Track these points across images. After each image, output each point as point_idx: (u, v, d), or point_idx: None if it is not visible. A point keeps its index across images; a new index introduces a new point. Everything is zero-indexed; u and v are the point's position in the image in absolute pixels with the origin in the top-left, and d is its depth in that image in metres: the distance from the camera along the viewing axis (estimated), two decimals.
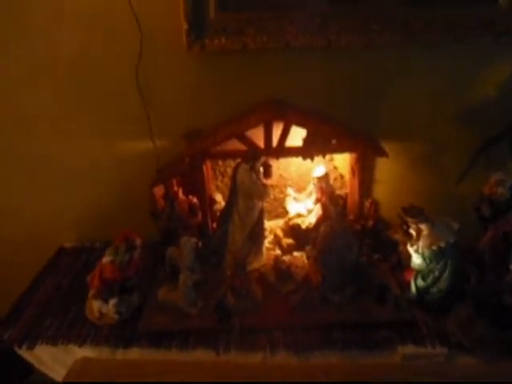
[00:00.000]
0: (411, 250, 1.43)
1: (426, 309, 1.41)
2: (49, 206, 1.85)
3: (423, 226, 1.39)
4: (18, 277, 1.63)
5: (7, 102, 1.67)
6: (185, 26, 1.51)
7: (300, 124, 1.53)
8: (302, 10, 1.53)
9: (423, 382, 1.22)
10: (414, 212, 1.43)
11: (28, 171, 1.79)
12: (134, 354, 1.35)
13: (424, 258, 1.39)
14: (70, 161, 1.77)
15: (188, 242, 1.47)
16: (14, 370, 1.64)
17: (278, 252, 1.68)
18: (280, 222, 1.79)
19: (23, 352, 1.39)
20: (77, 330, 1.41)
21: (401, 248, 1.59)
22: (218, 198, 1.77)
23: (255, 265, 1.61)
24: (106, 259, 1.40)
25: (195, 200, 1.73)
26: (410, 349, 1.31)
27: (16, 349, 1.39)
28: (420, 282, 1.43)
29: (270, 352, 1.32)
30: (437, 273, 1.39)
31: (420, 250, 1.40)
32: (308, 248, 1.63)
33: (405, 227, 1.53)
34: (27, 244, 1.89)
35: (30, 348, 1.38)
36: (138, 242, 1.45)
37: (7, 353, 1.41)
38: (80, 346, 1.36)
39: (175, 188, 1.72)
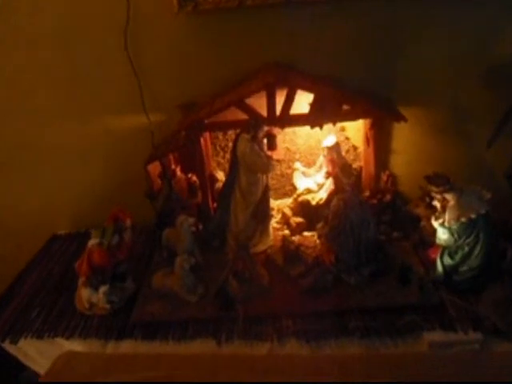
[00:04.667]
0: (436, 224, 1.27)
1: (455, 290, 1.25)
2: (41, 191, 1.74)
3: (450, 196, 1.22)
4: (13, 264, 1.55)
5: None
6: None
7: (306, 88, 1.37)
8: None
9: (455, 373, 1.05)
10: (439, 181, 1.25)
11: (17, 157, 1.68)
12: (127, 346, 1.21)
13: (451, 233, 1.22)
14: (59, 142, 1.65)
15: (185, 222, 1.35)
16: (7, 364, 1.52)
17: (287, 232, 1.53)
18: (288, 201, 1.63)
19: (7, 346, 1.27)
20: (65, 321, 1.29)
21: (423, 223, 1.43)
22: (220, 175, 1.63)
23: (261, 247, 1.47)
24: (92, 242, 1.27)
25: (194, 178, 1.59)
26: (438, 335, 1.15)
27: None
28: (447, 260, 1.26)
29: (278, 342, 1.17)
30: (467, 249, 1.22)
31: (446, 224, 1.23)
32: (319, 226, 1.47)
33: (428, 199, 1.37)
34: (20, 232, 1.79)
35: (14, 342, 1.26)
36: (128, 222, 1.32)
37: None
38: (67, 338, 1.24)
39: (173, 166, 1.58)
